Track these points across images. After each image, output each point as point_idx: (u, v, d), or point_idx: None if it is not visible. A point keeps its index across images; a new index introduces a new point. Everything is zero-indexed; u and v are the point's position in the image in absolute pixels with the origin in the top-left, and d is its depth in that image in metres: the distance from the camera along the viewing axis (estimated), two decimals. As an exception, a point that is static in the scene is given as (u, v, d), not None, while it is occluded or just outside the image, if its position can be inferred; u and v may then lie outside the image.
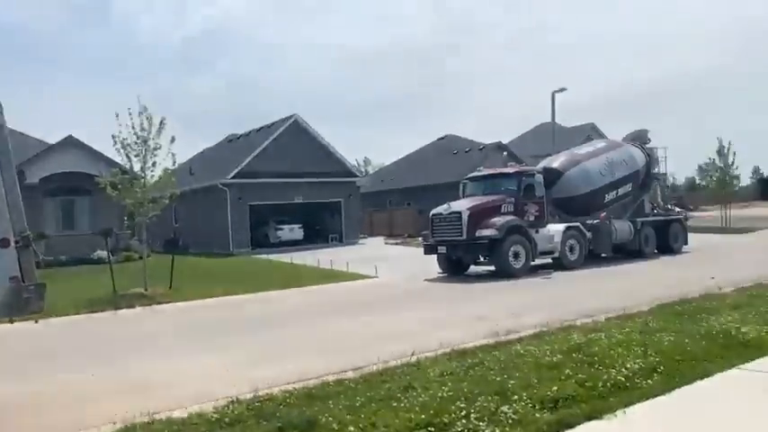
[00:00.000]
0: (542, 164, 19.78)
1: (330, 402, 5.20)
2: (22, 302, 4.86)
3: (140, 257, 23.12)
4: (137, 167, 16.20)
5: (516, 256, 16.24)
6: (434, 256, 17.68)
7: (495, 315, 10.18)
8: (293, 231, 33.50)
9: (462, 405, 4.71)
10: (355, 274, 18.11)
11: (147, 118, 16.14)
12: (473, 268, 17.64)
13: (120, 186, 16.21)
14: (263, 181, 31.23)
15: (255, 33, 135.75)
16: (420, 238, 31.89)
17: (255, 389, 6.01)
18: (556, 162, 19.52)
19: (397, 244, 32.08)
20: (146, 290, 15.46)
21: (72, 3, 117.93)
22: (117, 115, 15.81)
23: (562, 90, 31.05)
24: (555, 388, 4.99)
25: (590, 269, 17.33)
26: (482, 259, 16.98)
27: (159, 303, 14.34)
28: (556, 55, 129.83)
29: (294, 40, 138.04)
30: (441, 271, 17.55)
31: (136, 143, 16.04)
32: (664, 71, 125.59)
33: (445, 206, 17.17)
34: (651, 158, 21.66)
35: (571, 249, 17.75)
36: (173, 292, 15.77)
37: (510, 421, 4.41)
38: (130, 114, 15.85)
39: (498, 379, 5.48)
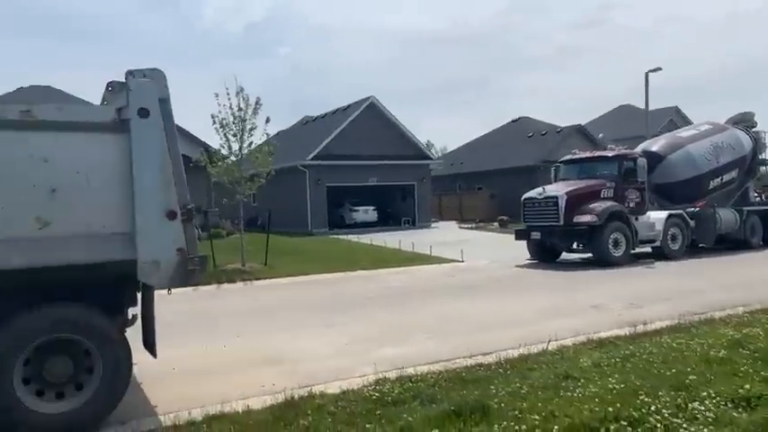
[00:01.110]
0: (640, 147, 18.81)
1: (492, 387, 5.01)
2: (187, 273, 4.89)
3: (228, 234, 23.81)
4: (235, 147, 16.51)
5: (616, 243, 15.55)
6: (514, 242, 17.28)
7: (611, 305, 9.76)
8: (367, 213, 33.63)
9: (647, 399, 4.41)
10: (440, 258, 17.91)
11: (244, 98, 16.41)
12: (564, 255, 17.06)
13: (219, 164, 16.60)
14: (339, 163, 31.41)
15: (315, 18, 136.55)
16: (496, 223, 31.56)
17: (396, 368, 5.94)
18: (655, 145, 18.51)
19: (470, 228, 31.68)
20: (243, 265, 15.81)
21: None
22: (216, 95, 16.13)
23: (657, 70, 29.46)
24: (747, 386, 4.60)
25: (694, 259, 16.42)
26: (577, 246, 16.37)
27: (258, 279, 14.64)
28: (628, 36, 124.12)
29: (353, 24, 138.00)
30: (530, 257, 17.07)
31: (234, 123, 16.34)
32: (746, 53, 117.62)
33: (539, 190, 16.62)
34: (758, 143, 20.23)
35: (673, 238, 16.86)
36: (268, 268, 16.08)
37: (709, 420, 4.07)
38: (228, 94, 16.14)
39: (669, 373, 5.14)
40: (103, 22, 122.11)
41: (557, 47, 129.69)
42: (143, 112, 4.69)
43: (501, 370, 5.72)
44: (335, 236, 28.61)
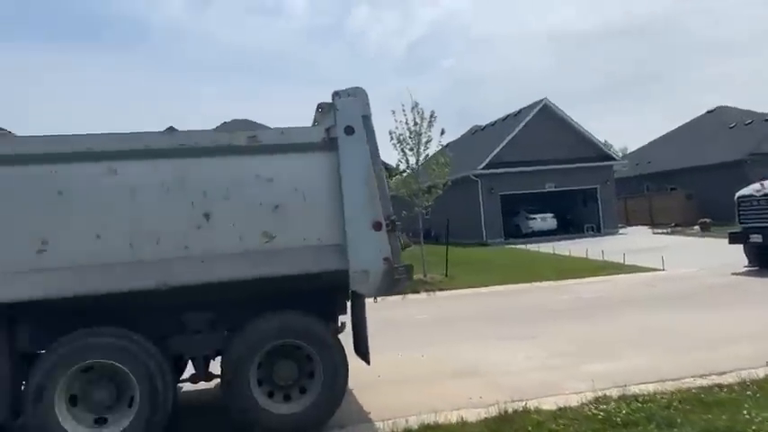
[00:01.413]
0: None
1: (743, 412, 4.38)
2: (394, 282, 5.01)
3: (404, 247, 24.47)
4: (412, 160, 16.97)
5: None
6: (723, 247, 15.22)
7: None
8: (545, 221, 32.35)
9: None
10: (636, 266, 16.47)
11: (419, 112, 16.81)
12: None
13: (397, 178, 17.19)
14: (513, 170, 30.71)
15: (476, 27, 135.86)
16: (696, 227, 28.31)
17: (616, 385, 5.49)
18: None
19: (666, 233, 28.82)
20: (425, 276, 16.10)
21: (308, 25, 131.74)
22: (393, 112, 16.75)
23: None
24: None
25: None
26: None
27: (440, 290, 14.77)
28: None
29: (515, 29, 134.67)
30: (749, 263, 14.93)
31: (410, 137, 16.81)
32: None
33: (756, 186, 14.50)
34: None
35: None
36: (449, 279, 16.18)
37: None
38: (404, 110, 16.65)
39: None
40: (274, 59, 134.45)
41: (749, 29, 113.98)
42: (349, 130, 4.94)
43: (748, 392, 4.99)
44: (512, 246, 27.93)
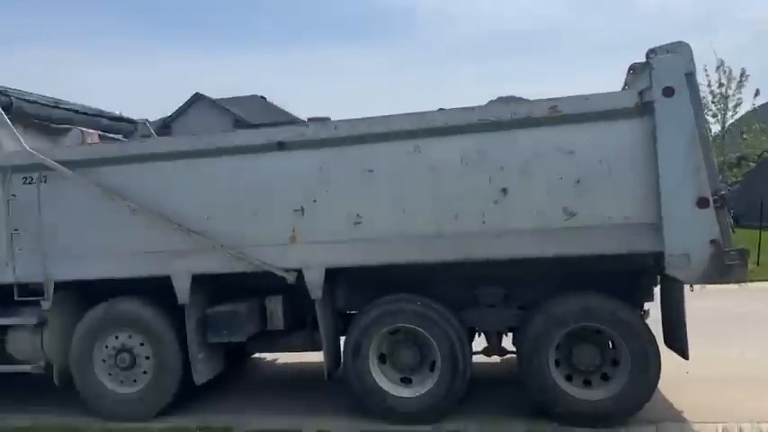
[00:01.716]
0: None
1: None
2: (724, 269, 4.26)
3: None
4: (715, 128, 14.66)
5: None
6: None
7: None
8: None
9: None
10: None
11: (725, 72, 14.36)
12: None
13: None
14: None
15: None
16: None
17: None
18: None
19: None
20: (730, 263, 13.83)
21: None
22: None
23: None
24: None
25: None
26: None
27: (752, 281, 12.48)
28: None
29: None
30: None
31: (713, 101, 14.51)
32: None
33: None
34: None
35: None
36: (760, 267, 13.61)
37: None
38: (706, 70, 14.40)
39: None
40: (535, 35, 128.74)
41: None
42: (668, 91, 4.32)
43: None
44: None
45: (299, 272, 5.06)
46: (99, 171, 5.38)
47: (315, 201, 5.02)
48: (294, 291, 5.36)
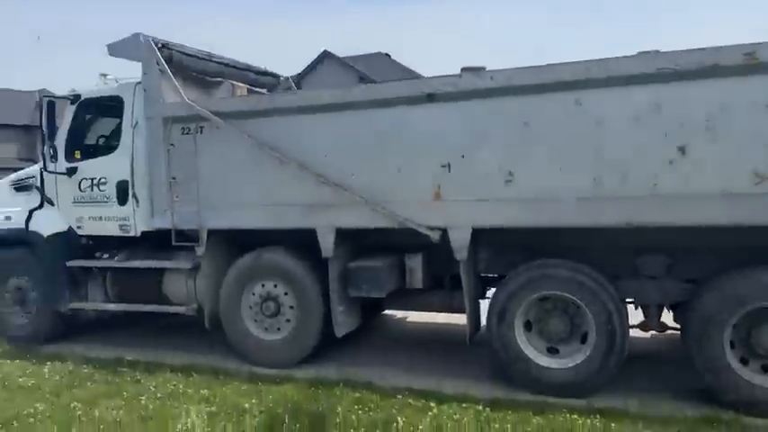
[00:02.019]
0: None
1: None
2: None
3: None
4: None
5: None
6: None
7: None
8: None
9: None
10: None
11: None
12: None
13: None
14: None
15: None
16: None
17: None
18: None
19: None
20: None
21: None
22: None
23: None
24: None
25: None
26: None
27: None
28: None
29: None
30: None
31: None
32: None
33: None
34: None
35: None
36: None
37: None
38: None
39: None
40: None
41: None
42: None
43: None
44: None
45: (444, 231, 4.88)
46: (250, 123, 5.49)
47: (463, 156, 4.78)
48: (434, 250, 5.23)
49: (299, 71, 30.89)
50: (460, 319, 5.80)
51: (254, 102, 5.81)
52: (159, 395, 4.59)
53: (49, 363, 5.54)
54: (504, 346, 4.79)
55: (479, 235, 4.91)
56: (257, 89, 7.29)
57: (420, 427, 3.71)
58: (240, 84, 7.02)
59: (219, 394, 4.57)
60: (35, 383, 4.91)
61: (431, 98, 4.84)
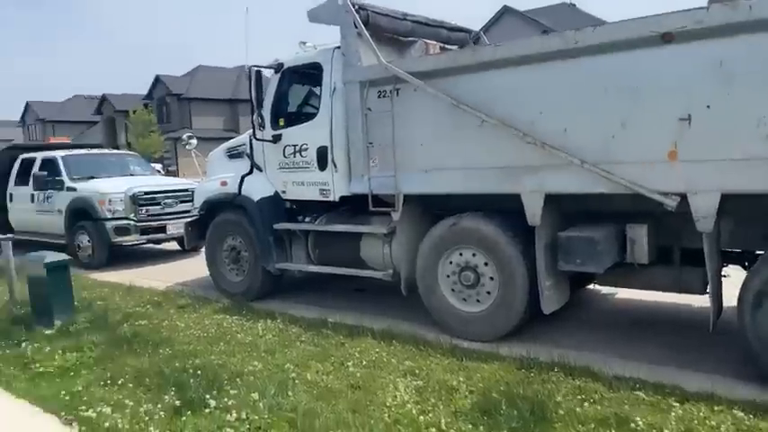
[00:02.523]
0: None
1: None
2: None
3: None
4: None
5: None
6: None
7: None
8: None
9: None
10: None
11: None
12: None
13: None
14: None
15: None
16: None
17: None
18: None
19: None
20: None
21: None
22: None
23: None
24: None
25: None
26: None
27: None
28: None
29: None
30: None
31: None
32: None
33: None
34: None
35: None
36: None
37: None
38: None
39: None
40: None
41: None
42: None
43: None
44: None
45: (682, 197, 4.11)
46: (449, 81, 5.15)
47: (708, 107, 3.95)
48: (661, 219, 4.49)
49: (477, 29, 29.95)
50: (679, 298, 4.98)
51: (453, 58, 5.42)
52: (364, 362, 4.55)
53: (261, 321, 5.86)
54: (761, 337, 3.94)
55: (725, 202, 4.05)
56: (449, 47, 6.92)
57: (665, 431, 3.14)
58: (433, 42, 6.70)
59: (424, 367, 4.40)
60: (251, 341, 5.20)
61: (667, 38, 4.04)
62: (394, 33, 6.31)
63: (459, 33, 7.15)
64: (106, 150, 13.59)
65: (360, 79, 5.75)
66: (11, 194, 11.67)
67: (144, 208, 10.10)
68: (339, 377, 4.26)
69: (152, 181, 11.15)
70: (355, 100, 5.83)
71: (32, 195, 11.06)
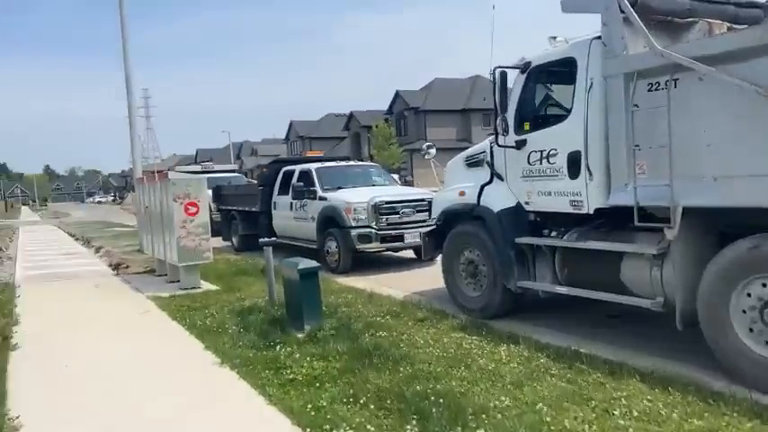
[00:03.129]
0: None
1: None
2: None
3: None
4: None
5: None
6: None
7: None
8: None
9: None
10: None
11: None
12: None
13: None
14: None
15: None
16: None
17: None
18: None
19: None
20: None
21: None
22: None
23: None
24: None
25: None
26: None
27: None
28: None
29: None
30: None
31: None
32: None
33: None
34: None
35: None
36: None
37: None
38: None
39: None
40: None
41: None
42: None
43: None
44: None
45: None
46: (750, 66, 4.04)
47: None
48: None
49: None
50: None
51: (760, 36, 4.24)
52: (635, 413, 3.71)
53: (503, 344, 5.34)
54: None
55: None
56: (737, 26, 5.60)
57: None
58: (717, 21, 5.48)
59: (719, 430, 3.41)
60: (494, 368, 4.70)
61: None
62: (668, 15, 5.28)
63: (752, 10, 5.76)
64: (352, 162, 14.51)
65: (625, 71, 4.90)
66: (275, 202, 13.06)
67: (384, 217, 10.38)
68: (605, 429, 3.51)
69: (392, 191, 11.47)
70: (618, 96, 4.99)
71: (291, 203, 12.21)
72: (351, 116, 57.14)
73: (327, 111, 68.98)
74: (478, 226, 6.75)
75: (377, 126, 44.70)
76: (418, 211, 10.60)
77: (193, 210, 8.83)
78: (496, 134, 6.34)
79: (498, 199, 6.52)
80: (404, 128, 50.33)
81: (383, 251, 11.09)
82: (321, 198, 11.29)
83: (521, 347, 5.23)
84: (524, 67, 6.24)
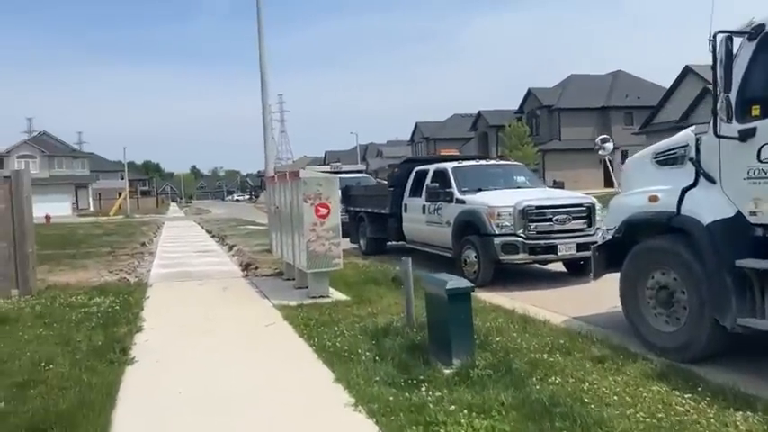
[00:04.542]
0: None
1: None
2: None
3: None
4: None
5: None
6: None
7: None
8: None
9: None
10: None
11: None
12: None
13: None
14: None
15: None
16: None
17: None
18: None
19: None
20: None
21: None
22: None
23: None
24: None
25: None
26: None
27: None
28: None
29: None
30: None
31: None
32: None
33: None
34: None
35: None
36: None
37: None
38: None
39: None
40: None
41: None
42: None
43: None
44: None
45: None
46: None
47: None
48: None
49: None
50: None
51: None
52: None
53: (727, 407, 3.85)
54: None
55: None
56: None
57: None
58: None
59: None
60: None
61: None
62: None
63: None
64: (492, 161, 13.18)
65: None
66: (405, 205, 12.11)
67: (534, 224, 8.99)
68: None
69: (541, 194, 10.05)
70: None
71: (424, 206, 11.17)
72: (479, 116, 55.38)
73: (452, 112, 67.82)
74: (678, 241, 5.22)
75: (509, 125, 42.59)
76: (574, 219, 9.10)
77: (324, 211, 8.06)
78: (715, 121, 4.78)
79: (709, 207, 4.97)
80: (535, 127, 47.71)
81: (529, 263, 9.68)
82: (458, 201, 10.12)
83: (758, 415, 3.72)
84: (755, 33, 4.66)
